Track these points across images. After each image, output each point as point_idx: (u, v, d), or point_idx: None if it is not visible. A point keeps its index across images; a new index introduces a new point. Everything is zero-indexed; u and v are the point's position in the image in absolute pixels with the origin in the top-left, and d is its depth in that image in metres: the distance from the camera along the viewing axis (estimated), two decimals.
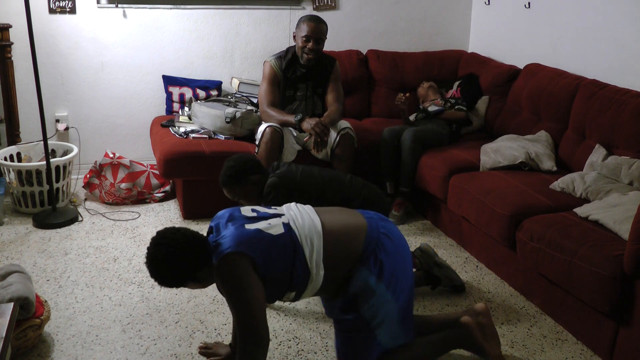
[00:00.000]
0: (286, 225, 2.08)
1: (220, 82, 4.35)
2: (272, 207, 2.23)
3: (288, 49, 3.73)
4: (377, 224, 2.18)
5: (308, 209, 2.21)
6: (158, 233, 2.09)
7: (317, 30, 3.59)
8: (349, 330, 2.14)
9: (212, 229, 2.15)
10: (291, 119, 3.56)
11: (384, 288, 2.08)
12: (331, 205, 2.75)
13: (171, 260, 2.01)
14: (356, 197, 2.76)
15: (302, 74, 3.70)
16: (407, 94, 3.93)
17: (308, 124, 3.50)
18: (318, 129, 3.47)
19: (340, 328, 2.17)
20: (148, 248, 2.07)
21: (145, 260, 2.06)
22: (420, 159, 3.69)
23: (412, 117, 4.06)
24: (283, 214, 2.15)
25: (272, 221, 2.09)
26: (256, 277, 1.98)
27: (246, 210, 2.15)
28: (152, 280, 3.03)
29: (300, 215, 2.14)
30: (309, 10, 4.45)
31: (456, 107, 4.00)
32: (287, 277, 2.05)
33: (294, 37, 3.68)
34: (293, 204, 2.25)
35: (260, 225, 2.06)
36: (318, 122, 3.48)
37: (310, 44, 3.58)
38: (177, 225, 2.16)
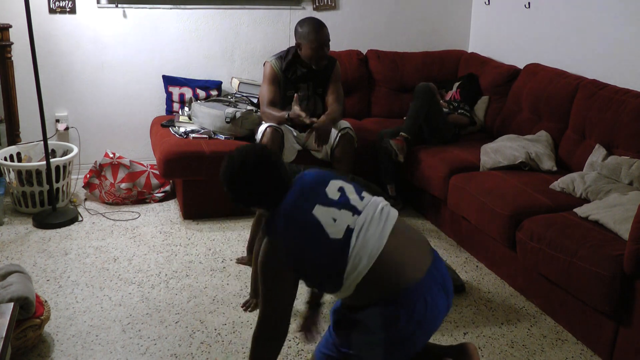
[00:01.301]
0: (348, 232, 1.85)
1: (220, 82, 4.35)
2: (361, 194, 1.97)
3: (289, 50, 3.72)
4: (430, 286, 1.87)
5: (390, 217, 1.93)
6: (256, 153, 1.94)
7: (324, 37, 3.56)
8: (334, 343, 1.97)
9: (292, 179, 1.98)
10: (284, 116, 3.56)
11: (382, 341, 1.85)
12: None
13: (254, 189, 1.94)
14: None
15: (302, 74, 3.70)
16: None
17: (294, 116, 3.50)
18: (296, 119, 3.49)
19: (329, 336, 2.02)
20: (234, 156, 1.95)
21: (226, 162, 1.96)
22: (420, 155, 3.69)
23: None
24: (359, 213, 1.90)
25: (341, 215, 1.87)
26: (291, 271, 1.87)
27: (332, 188, 1.94)
28: (152, 280, 3.04)
29: (371, 225, 1.88)
30: (309, 10, 4.45)
31: (459, 111, 4.04)
32: (316, 279, 1.93)
33: (299, 45, 3.60)
34: (382, 201, 1.98)
35: (325, 217, 1.86)
36: (300, 114, 3.49)
37: (322, 52, 3.57)
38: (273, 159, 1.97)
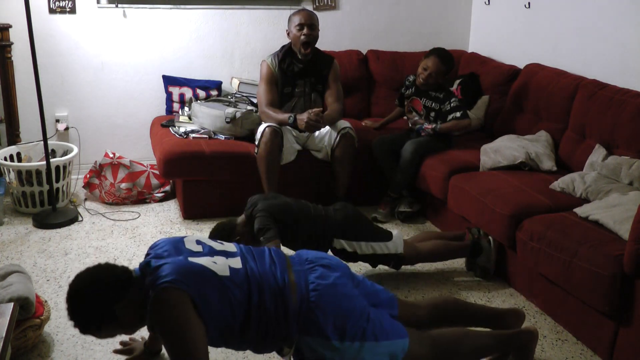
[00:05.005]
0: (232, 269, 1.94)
1: (220, 82, 4.35)
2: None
3: (283, 46, 3.77)
4: (307, 277, 2.02)
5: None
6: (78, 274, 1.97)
7: (309, 16, 3.65)
8: None
9: (147, 262, 2.00)
10: (286, 119, 3.57)
11: (349, 343, 1.93)
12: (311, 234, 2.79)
13: (89, 290, 1.89)
14: (333, 223, 2.81)
15: (299, 69, 3.71)
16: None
17: (302, 121, 3.50)
18: (313, 121, 3.48)
19: None
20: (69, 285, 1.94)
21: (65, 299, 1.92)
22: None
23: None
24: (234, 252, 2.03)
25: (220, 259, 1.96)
26: (196, 315, 1.81)
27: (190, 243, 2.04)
28: None
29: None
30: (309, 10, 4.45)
31: (449, 118, 3.69)
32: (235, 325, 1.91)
33: (288, 34, 3.70)
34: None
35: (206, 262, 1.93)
36: (309, 114, 3.49)
37: (305, 30, 3.60)
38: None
